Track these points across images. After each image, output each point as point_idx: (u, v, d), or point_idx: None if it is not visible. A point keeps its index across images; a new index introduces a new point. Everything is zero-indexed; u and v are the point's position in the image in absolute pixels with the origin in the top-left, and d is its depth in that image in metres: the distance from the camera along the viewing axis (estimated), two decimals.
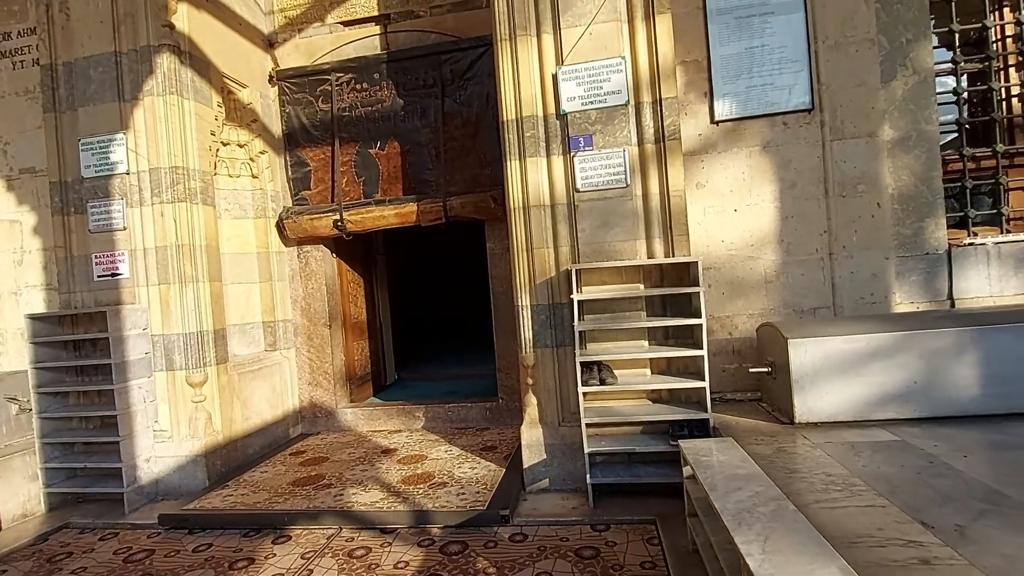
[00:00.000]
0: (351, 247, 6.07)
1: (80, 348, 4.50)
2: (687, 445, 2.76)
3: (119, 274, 4.39)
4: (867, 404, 3.20)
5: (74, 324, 4.48)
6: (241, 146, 5.28)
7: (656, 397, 3.71)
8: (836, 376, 3.20)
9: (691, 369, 3.62)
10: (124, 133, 4.36)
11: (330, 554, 3.18)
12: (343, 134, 5.42)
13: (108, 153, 4.40)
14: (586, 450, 3.43)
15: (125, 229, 4.38)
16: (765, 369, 3.46)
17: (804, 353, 3.16)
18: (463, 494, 3.63)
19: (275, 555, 3.24)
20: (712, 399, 3.44)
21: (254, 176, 5.40)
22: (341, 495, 3.80)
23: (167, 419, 4.33)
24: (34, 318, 4.30)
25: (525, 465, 3.79)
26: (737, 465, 2.41)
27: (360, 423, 5.52)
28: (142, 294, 4.37)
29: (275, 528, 3.56)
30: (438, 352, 9.56)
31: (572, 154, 3.72)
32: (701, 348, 3.34)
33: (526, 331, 3.81)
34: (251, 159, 5.35)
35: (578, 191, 3.71)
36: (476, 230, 5.68)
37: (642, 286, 3.69)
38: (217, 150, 4.99)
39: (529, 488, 3.77)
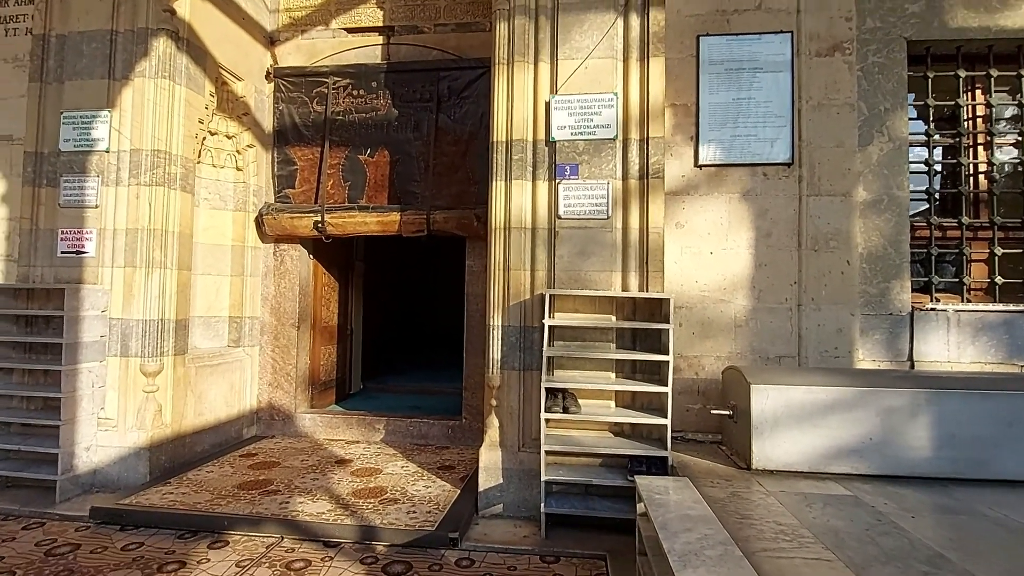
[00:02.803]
0: (330, 250, 6.00)
1: (32, 324, 4.32)
2: (642, 481, 2.74)
3: (84, 252, 4.26)
4: (823, 456, 3.23)
5: (29, 299, 4.32)
6: (229, 137, 5.23)
7: (618, 431, 3.69)
8: (795, 425, 3.23)
9: (655, 405, 3.63)
10: (109, 111, 4.29)
11: (267, 564, 3.05)
12: (334, 137, 5.41)
13: (90, 129, 4.31)
14: (543, 478, 3.38)
15: (97, 207, 4.27)
16: (727, 412, 3.48)
17: (766, 399, 3.19)
18: (414, 512, 3.54)
19: (209, 560, 3.09)
20: (674, 438, 3.44)
21: (239, 169, 5.33)
22: (287, 503, 3.67)
23: (114, 407, 4.16)
24: None
25: (480, 488, 3.72)
26: (689, 506, 2.40)
27: (318, 430, 5.37)
28: (105, 275, 4.23)
29: (213, 532, 3.41)
30: (406, 365, 9.43)
31: (557, 181, 3.77)
32: (666, 385, 3.36)
33: (495, 351, 3.78)
34: (238, 151, 5.29)
35: (560, 217, 3.74)
36: (457, 247, 5.68)
37: (614, 317, 3.71)
38: (204, 139, 4.94)
39: (482, 512, 3.69)
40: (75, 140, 4.33)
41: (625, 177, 3.73)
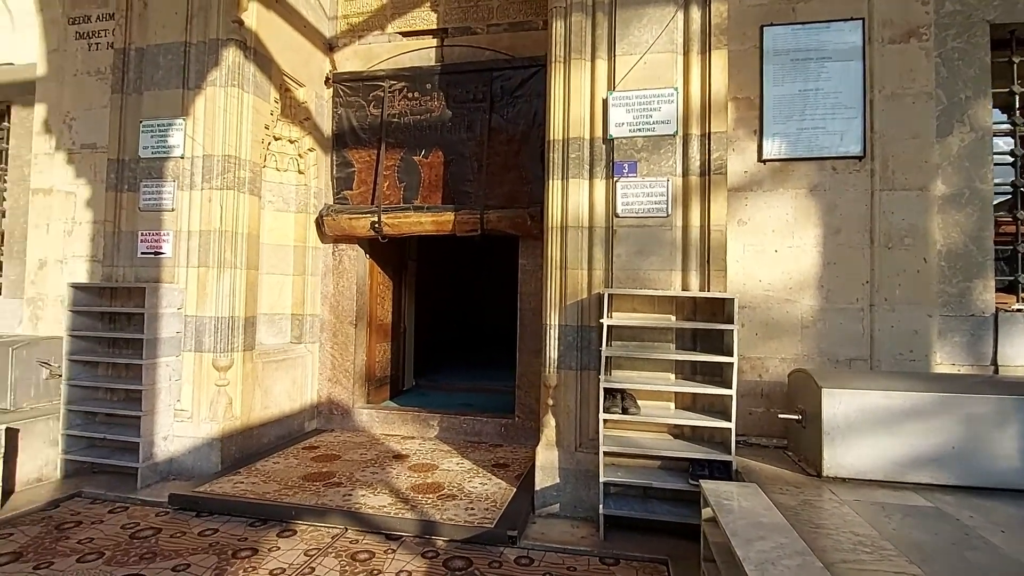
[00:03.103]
0: (384, 250, 6.14)
1: (115, 321, 4.62)
2: (709, 486, 2.68)
3: (161, 253, 4.52)
4: (899, 465, 3.07)
5: (112, 297, 4.61)
6: (292, 142, 5.43)
7: (678, 433, 3.62)
8: (869, 432, 3.08)
9: (717, 408, 3.53)
10: (184, 119, 4.53)
11: (333, 554, 3.15)
12: (390, 139, 5.54)
13: (166, 137, 4.56)
14: (601, 479, 3.36)
15: (173, 210, 4.52)
16: (795, 416, 3.35)
17: (838, 404, 3.05)
18: (472, 509, 3.58)
19: (279, 548, 3.22)
20: (737, 442, 3.34)
21: (300, 172, 5.53)
22: (350, 495, 3.79)
23: (189, 399, 4.40)
24: (76, 287, 4.44)
25: (537, 487, 3.72)
26: (761, 513, 2.33)
27: (375, 425, 5.52)
28: (181, 274, 4.48)
29: (282, 521, 3.55)
30: (456, 363, 9.55)
31: (615, 179, 3.72)
32: (731, 388, 3.26)
33: (551, 351, 3.78)
34: (299, 155, 5.49)
35: (618, 216, 3.70)
36: (508, 246, 5.71)
37: (674, 317, 3.64)
38: (268, 144, 5.14)
39: (539, 511, 3.70)
40: (153, 147, 4.60)
41: (685, 174, 3.65)
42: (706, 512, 2.68)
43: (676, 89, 3.67)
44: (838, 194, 3.92)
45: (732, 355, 3.27)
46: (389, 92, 5.56)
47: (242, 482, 4.02)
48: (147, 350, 4.17)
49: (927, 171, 3.93)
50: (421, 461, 4.58)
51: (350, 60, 5.73)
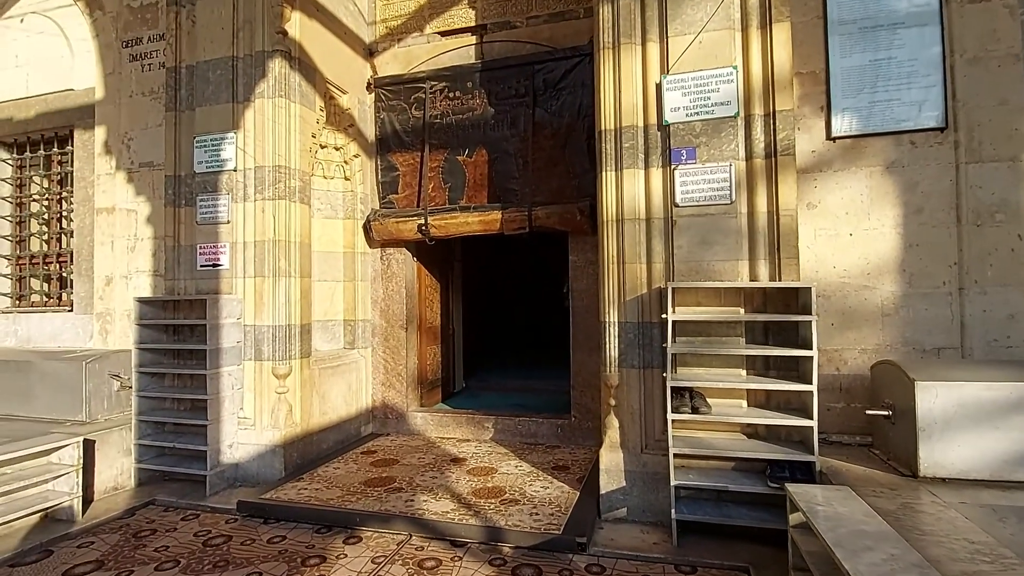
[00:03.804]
0: (430, 252, 6.12)
1: (179, 332, 4.75)
2: (796, 490, 2.49)
3: (220, 265, 4.62)
4: (1007, 462, 2.79)
5: (175, 309, 4.74)
6: (337, 149, 5.47)
7: (751, 432, 3.42)
8: (971, 427, 2.81)
9: (794, 405, 3.32)
10: (235, 132, 4.61)
11: (400, 561, 3.12)
12: (433, 140, 5.50)
13: (219, 151, 4.65)
14: (672, 482, 3.20)
15: (229, 223, 4.61)
16: (884, 412, 3.10)
17: (934, 398, 2.80)
18: (536, 514, 3.48)
19: (346, 556, 3.21)
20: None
21: (346, 178, 5.56)
22: (412, 501, 3.76)
23: (251, 407, 4.48)
24: (142, 301, 4.58)
25: (602, 491, 3.60)
26: (861, 520, 2.13)
27: (429, 428, 5.50)
28: (239, 285, 4.56)
29: (347, 527, 3.55)
30: (505, 363, 9.50)
31: (673, 167, 3.55)
32: (811, 383, 3.05)
33: (611, 349, 3.64)
34: (345, 162, 5.52)
35: (677, 206, 3.52)
36: (556, 242, 5.58)
37: (742, 310, 3.44)
38: (315, 152, 5.19)
39: (605, 516, 3.57)
40: (207, 162, 4.70)
41: (749, 157, 3.44)
42: (795, 517, 2.49)
43: (735, 68, 3.46)
44: (918, 170, 3.62)
45: (811, 348, 3.06)
46: (430, 93, 5.52)
47: (306, 488, 4.05)
48: (210, 360, 4.26)
49: (1017, 140, 3.58)
50: (479, 464, 4.52)
51: (390, 64, 5.73)
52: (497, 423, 5.30)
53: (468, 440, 5.27)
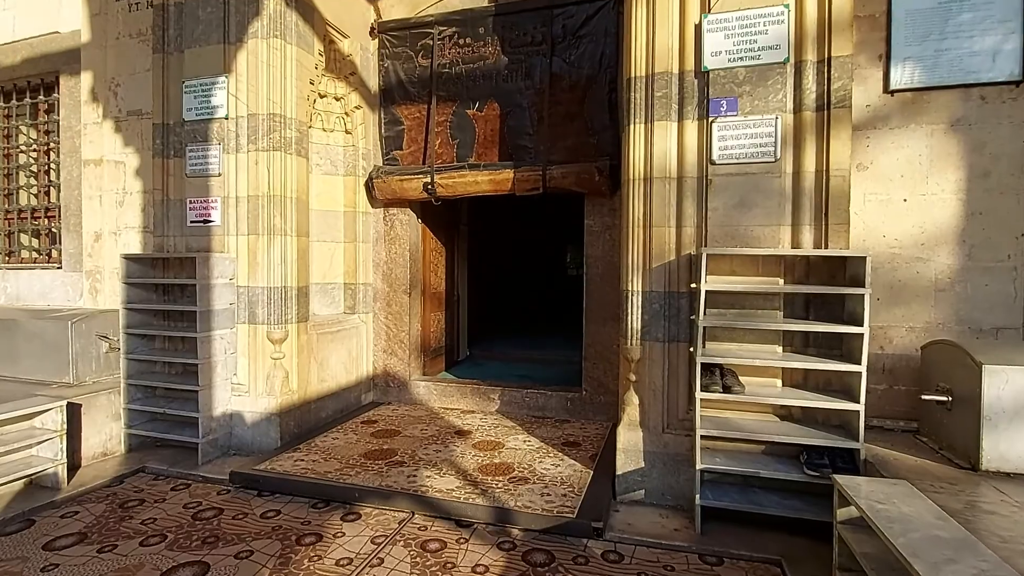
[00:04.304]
0: (437, 213, 5.78)
1: (169, 292, 4.47)
2: (848, 483, 2.21)
3: (211, 221, 4.30)
4: None
5: (165, 268, 4.45)
6: (338, 99, 5.07)
7: (783, 414, 3.14)
8: None
9: (833, 386, 3.02)
10: (226, 76, 4.22)
11: (402, 542, 2.89)
12: (441, 92, 5.09)
13: (209, 96, 4.28)
14: (698, 466, 2.93)
15: (220, 175, 4.27)
16: (942, 397, 2.80)
17: (1003, 384, 2.49)
18: (547, 495, 3.24)
19: (344, 534, 2.99)
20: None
21: (347, 132, 5.18)
22: (414, 476, 3.52)
23: (245, 373, 4.23)
24: (129, 259, 4.29)
25: (619, 471, 3.35)
26: (933, 523, 1.85)
27: (432, 398, 5.26)
28: (231, 243, 4.25)
29: (345, 503, 3.33)
30: (512, 331, 9.24)
31: (711, 119, 3.16)
32: (859, 363, 2.74)
33: (634, 321, 3.33)
34: (346, 113, 5.13)
35: (713, 163, 3.15)
36: (571, 205, 5.22)
37: (781, 281, 3.11)
38: (314, 101, 4.80)
39: (621, 498, 3.33)
40: (196, 108, 4.33)
41: (798, 109, 3.06)
42: (844, 512, 2.22)
43: (787, 6, 3.04)
44: (988, 129, 3.22)
45: (861, 324, 2.74)
46: (439, 40, 5.08)
47: (302, 459, 3.82)
48: (200, 323, 3.98)
49: None
50: (485, 438, 4.28)
51: (395, 7, 5.26)
52: (503, 394, 5.05)
53: (473, 412, 5.03)
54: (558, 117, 4.77)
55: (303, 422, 4.40)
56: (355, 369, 5.15)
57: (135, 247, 5.15)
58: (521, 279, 11.96)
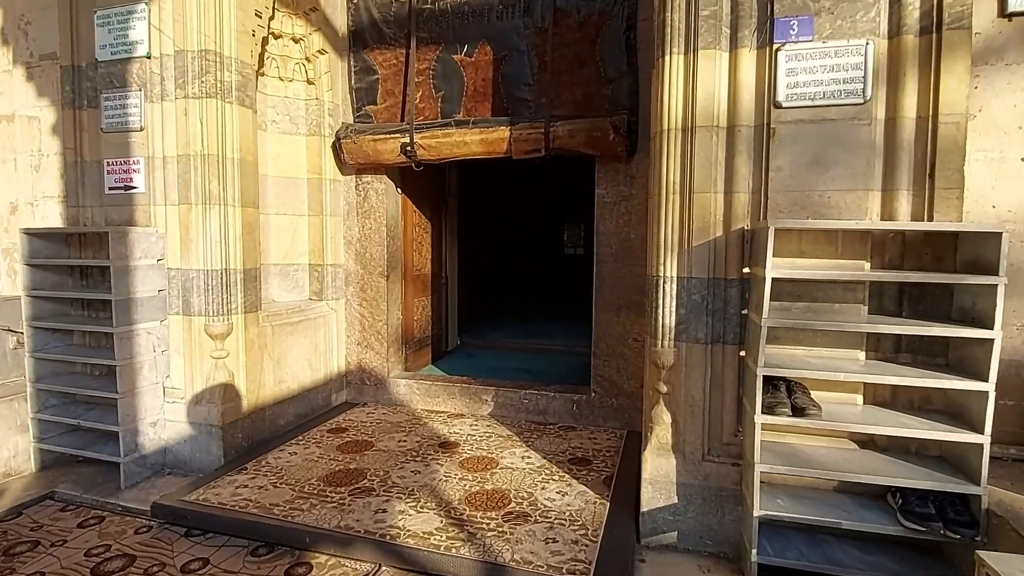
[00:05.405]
0: (419, 183, 4.96)
1: (89, 276, 3.66)
2: (998, 563, 1.48)
3: (133, 187, 3.47)
4: None
5: (82, 246, 3.63)
6: (296, 41, 4.19)
7: (864, 440, 2.40)
8: None
9: (934, 405, 2.29)
10: (147, 4, 3.34)
11: None
12: (422, 33, 4.21)
13: (127, 29, 3.41)
14: (756, 511, 2.20)
15: (142, 130, 3.42)
16: None
17: None
18: (553, 541, 2.51)
19: None
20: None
21: (310, 82, 4.31)
22: (384, 511, 2.78)
23: (181, 376, 3.45)
24: (32, 234, 3.46)
25: (644, 507, 2.62)
26: None
27: (415, 398, 4.51)
28: (159, 214, 3.43)
29: (293, 549, 2.59)
30: (508, 316, 8.46)
31: (775, 47, 2.35)
32: (984, 378, 2.00)
33: (665, 315, 2.57)
34: (307, 59, 4.25)
35: (778, 106, 2.35)
36: (578, 169, 4.41)
37: (867, 264, 2.34)
38: (265, 40, 3.92)
39: (647, 540, 2.61)
40: (112, 45, 3.46)
41: (896, 32, 2.25)
42: None
43: None
44: None
45: (987, 324, 1.99)
46: None
47: (247, 485, 3.07)
48: (118, 314, 3.18)
49: None
50: (475, 453, 3.54)
51: None
52: (498, 395, 4.30)
53: (462, 415, 4.29)
54: (564, 63, 3.92)
55: (254, 433, 3.64)
56: (323, 366, 4.38)
57: (55, 220, 4.29)
58: (522, 256, 11.12)
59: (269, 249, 4.18)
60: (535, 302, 10.04)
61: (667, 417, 2.61)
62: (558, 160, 3.99)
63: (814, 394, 2.35)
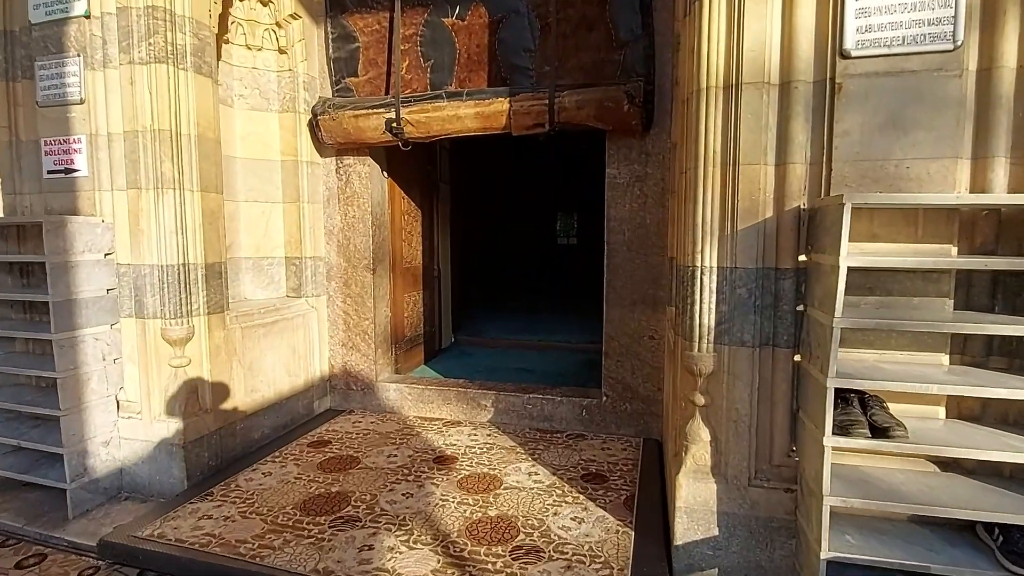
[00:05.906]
0: (408, 166, 4.49)
1: (30, 275, 3.19)
2: None
3: (75, 170, 2.99)
4: None
5: (21, 239, 3.15)
6: (265, 3, 3.70)
7: (947, 461, 1.99)
8: None
9: None
10: None
11: None
12: None
13: None
14: (824, 552, 1.79)
15: (83, 102, 2.94)
16: None
17: None
18: None
19: None
20: None
21: (282, 51, 3.82)
22: (370, 547, 2.36)
23: (136, 388, 3.00)
24: None
25: (678, 539, 2.22)
26: None
27: (406, 404, 4.08)
28: (105, 201, 2.97)
29: None
30: (507, 309, 8.02)
31: None
32: None
33: (703, 313, 2.14)
34: (278, 24, 3.76)
35: (845, 55, 1.92)
36: (587, 146, 3.96)
37: (954, 248, 1.92)
38: (228, 1, 3.43)
39: None
40: (47, 4, 2.96)
41: None
42: None
43: None
44: None
45: None
46: None
47: (210, 516, 2.64)
48: (56, 318, 2.72)
49: None
50: (475, 469, 3.12)
51: None
52: (498, 400, 3.88)
53: (459, 423, 3.87)
54: (570, 25, 3.46)
55: (223, 450, 3.20)
56: (303, 371, 3.93)
57: None
58: (522, 244, 10.61)
59: (239, 241, 3.72)
60: (539, 290, 9.59)
61: (705, 434, 2.19)
62: (562, 136, 3.55)
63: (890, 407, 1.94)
